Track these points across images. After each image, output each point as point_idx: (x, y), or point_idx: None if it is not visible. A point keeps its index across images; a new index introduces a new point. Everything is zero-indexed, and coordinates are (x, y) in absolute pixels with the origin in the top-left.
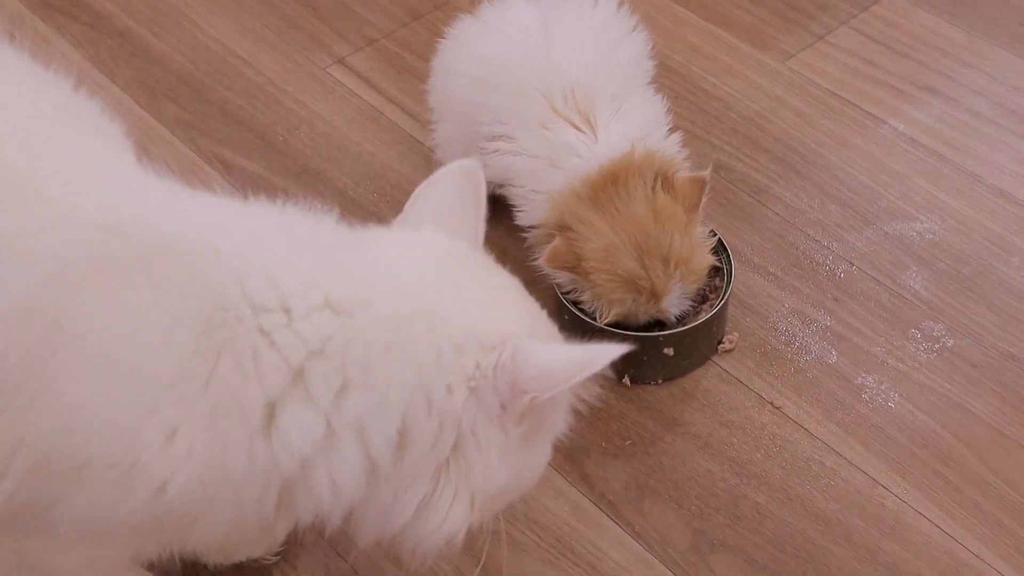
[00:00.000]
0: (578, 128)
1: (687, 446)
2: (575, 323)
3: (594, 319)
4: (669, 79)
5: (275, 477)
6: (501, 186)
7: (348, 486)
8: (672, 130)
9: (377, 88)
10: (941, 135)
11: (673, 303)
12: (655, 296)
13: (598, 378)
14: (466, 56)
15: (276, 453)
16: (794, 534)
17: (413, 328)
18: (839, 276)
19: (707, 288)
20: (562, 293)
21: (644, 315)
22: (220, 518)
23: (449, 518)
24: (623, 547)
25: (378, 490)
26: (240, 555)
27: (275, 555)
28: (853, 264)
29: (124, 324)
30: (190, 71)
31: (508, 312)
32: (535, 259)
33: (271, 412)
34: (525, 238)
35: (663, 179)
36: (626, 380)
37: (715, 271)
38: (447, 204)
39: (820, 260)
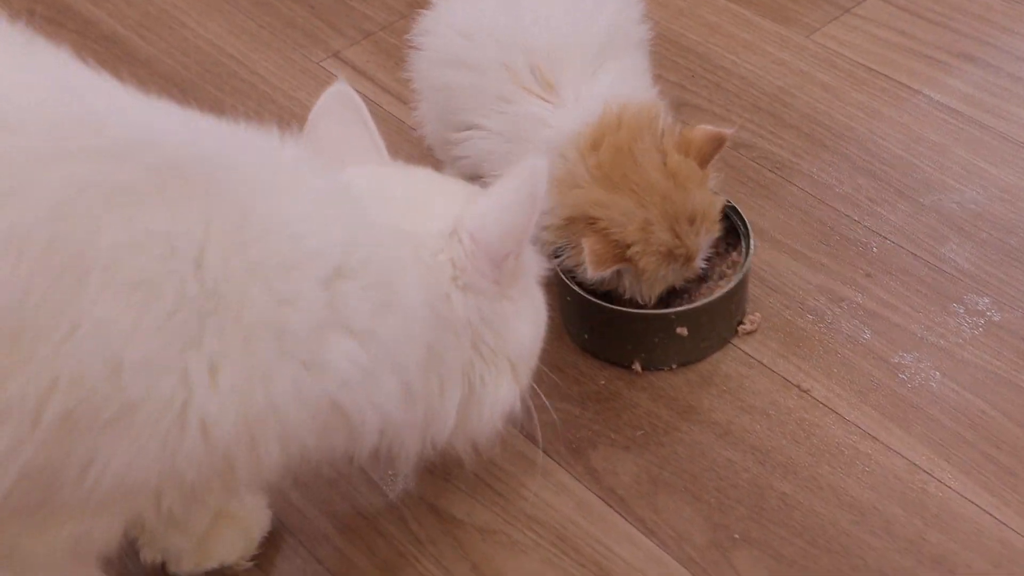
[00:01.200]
0: (542, 98)
1: (705, 435)
2: (580, 305)
3: (600, 298)
4: (685, 58)
5: (321, 406)
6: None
7: (389, 410)
8: (665, 98)
9: (373, 79)
10: (981, 103)
11: (701, 257)
12: (689, 258)
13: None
14: (435, 30)
15: (320, 381)
16: (826, 526)
17: (404, 252)
18: (872, 251)
19: (724, 264)
20: (565, 274)
21: (679, 280)
22: (264, 458)
23: (499, 398)
24: (633, 545)
25: (414, 411)
26: (213, 561)
27: (250, 560)
28: (887, 238)
29: (150, 248)
30: (180, 73)
31: (443, 198)
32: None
33: (312, 337)
34: None
35: (668, 137)
36: (637, 366)
37: (731, 245)
38: (340, 137)
39: (851, 235)
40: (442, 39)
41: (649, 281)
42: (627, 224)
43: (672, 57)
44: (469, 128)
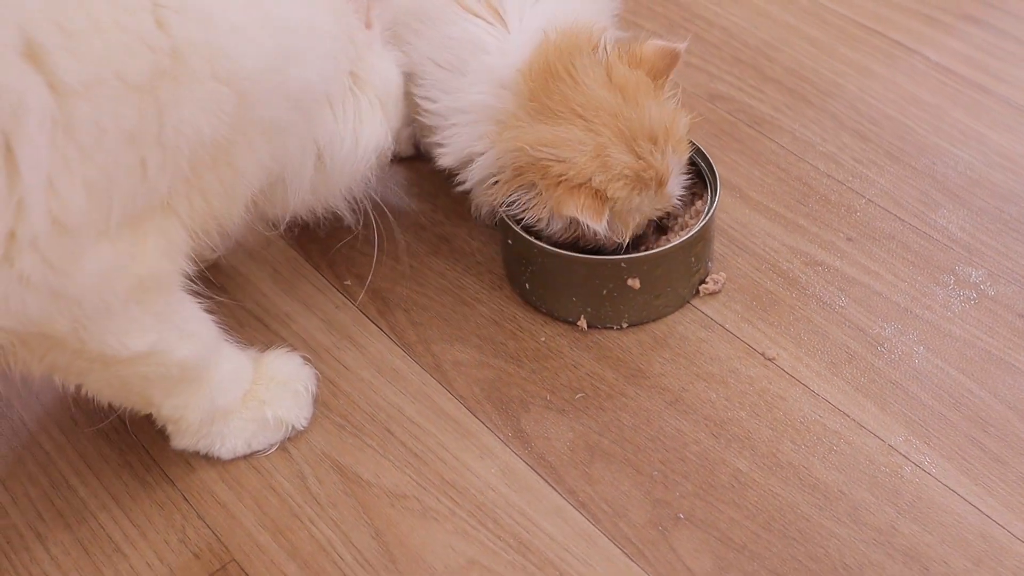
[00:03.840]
0: (485, 20)
1: (653, 402)
2: (521, 248)
3: (538, 238)
4: (664, 7)
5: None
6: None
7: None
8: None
9: None
10: (983, 65)
11: (674, 184)
12: (660, 182)
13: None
14: None
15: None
16: (784, 509)
17: None
18: (855, 214)
19: (687, 214)
20: (507, 214)
21: (655, 211)
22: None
23: (375, 129)
24: (561, 519)
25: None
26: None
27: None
28: (873, 201)
29: None
30: None
31: None
32: (487, 210)
33: None
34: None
35: (612, 53)
36: (582, 323)
37: (696, 195)
38: None
39: (833, 196)
40: None
41: (621, 213)
42: (581, 156)
43: (650, 5)
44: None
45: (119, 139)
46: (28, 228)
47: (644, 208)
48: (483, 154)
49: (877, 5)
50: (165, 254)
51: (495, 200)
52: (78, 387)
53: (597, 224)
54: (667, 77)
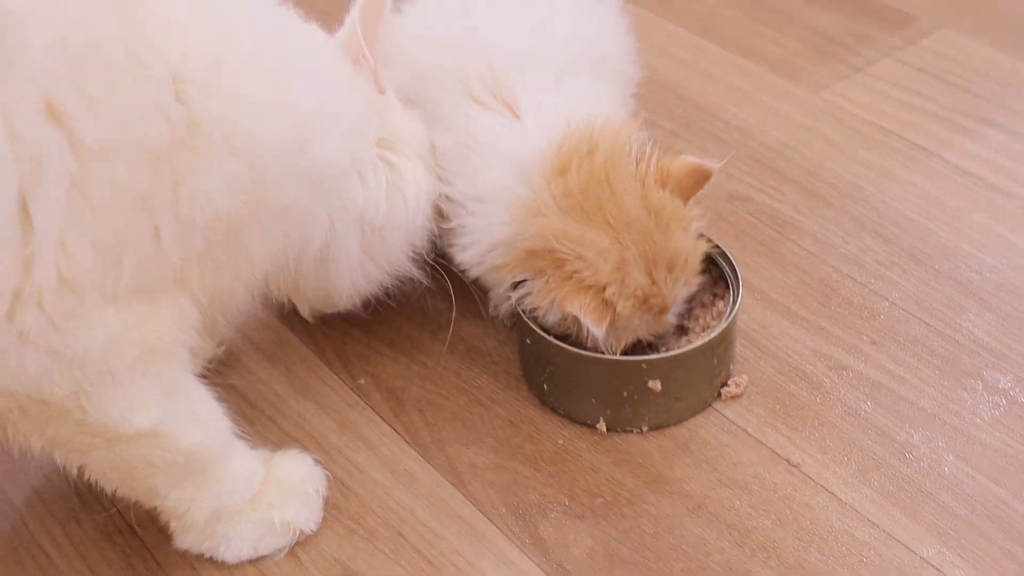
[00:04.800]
0: (497, 111)
1: (675, 508)
2: (540, 348)
3: (563, 342)
4: (682, 107)
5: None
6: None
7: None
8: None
9: None
10: (1003, 169)
11: (674, 311)
12: (663, 310)
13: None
14: (396, 35)
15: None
16: None
17: None
18: (879, 317)
19: (708, 315)
20: (525, 314)
21: (647, 334)
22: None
23: (419, 182)
24: None
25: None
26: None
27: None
28: (897, 304)
29: None
30: None
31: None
32: (505, 309)
33: None
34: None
35: (648, 165)
36: (601, 425)
37: (718, 296)
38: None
39: (855, 299)
40: (398, 47)
41: (617, 330)
42: (602, 264)
43: (668, 106)
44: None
45: (133, 203)
46: (34, 285)
47: (639, 328)
48: (502, 240)
49: (895, 108)
50: (176, 325)
51: (501, 280)
52: (80, 470)
53: (597, 328)
54: (695, 195)
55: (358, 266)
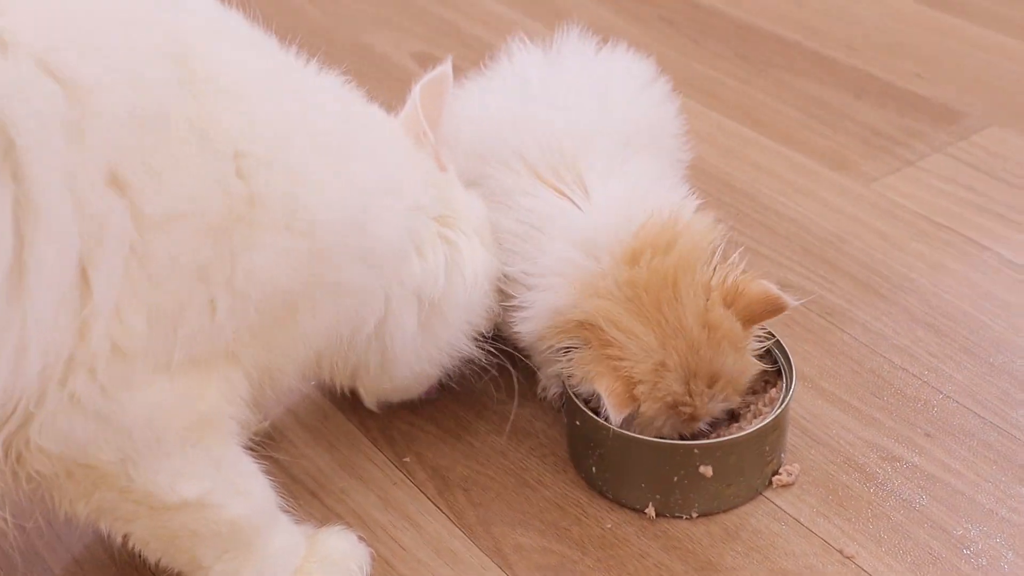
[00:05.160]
0: (560, 192)
1: None
2: (589, 429)
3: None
4: (731, 197)
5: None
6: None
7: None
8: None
9: None
10: None
11: (706, 420)
12: (694, 419)
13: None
14: (456, 120)
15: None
16: None
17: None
18: (932, 410)
19: (760, 402)
20: (574, 393)
21: (674, 432)
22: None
23: (477, 260)
24: None
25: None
26: None
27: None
28: (951, 397)
29: None
30: None
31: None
32: (537, 367)
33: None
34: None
35: (720, 281)
36: (650, 510)
37: (770, 382)
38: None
39: (908, 391)
40: (455, 128)
41: (640, 423)
42: (642, 362)
43: (717, 195)
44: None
45: (190, 275)
46: (88, 351)
47: (664, 428)
48: (561, 307)
49: (947, 202)
50: (226, 398)
51: (548, 345)
52: (125, 539)
53: (615, 414)
54: (760, 322)
55: (416, 345)
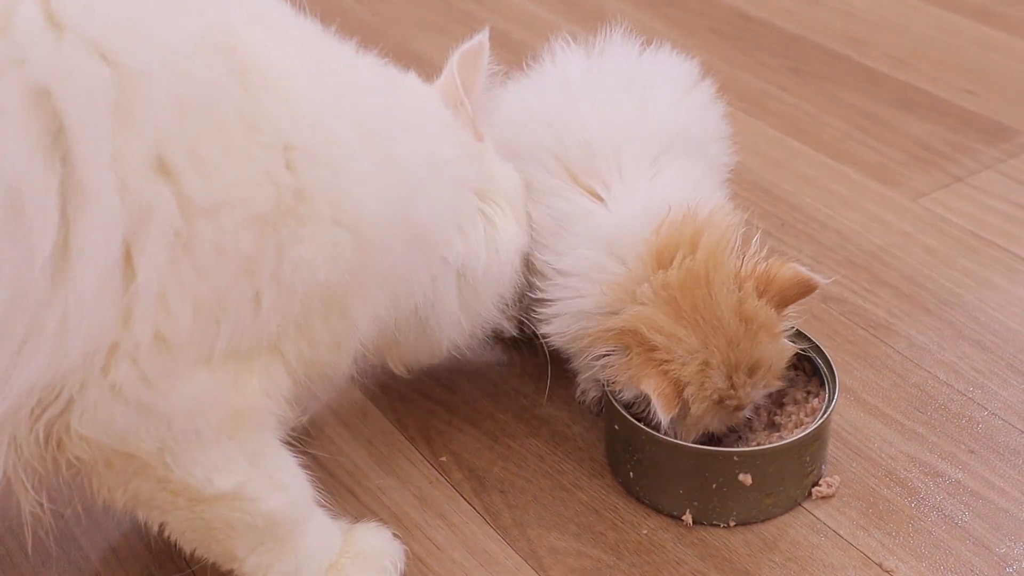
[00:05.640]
0: (594, 193)
1: None
2: (627, 434)
3: (649, 426)
4: (776, 207)
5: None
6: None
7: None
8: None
9: None
10: None
11: (749, 409)
12: (739, 408)
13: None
14: (497, 120)
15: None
16: None
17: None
18: (977, 426)
19: (802, 412)
20: (614, 399)
21: (720, 427)
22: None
23: (511, 235)
24: None
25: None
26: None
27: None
28: (996, 414)
29: None
30: None
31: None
32: (576, 373)
33: None
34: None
35: (749, 270)
36: (687, 518)
37: (812, 393)
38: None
39: (952, 406)
40: (495, 127)
41: (688, 424)
42: (688, 364)
43: (763, 205)
44: None
45: (237, 266)
46: (131, 339)
47: (711, 423)
48: (588, 311)
49: (997, 219)
50: (266, 392)
51: (583, 350)
52: (161, 528)
53: (664, 415)
54: (794, 304)
55: (454, 319)
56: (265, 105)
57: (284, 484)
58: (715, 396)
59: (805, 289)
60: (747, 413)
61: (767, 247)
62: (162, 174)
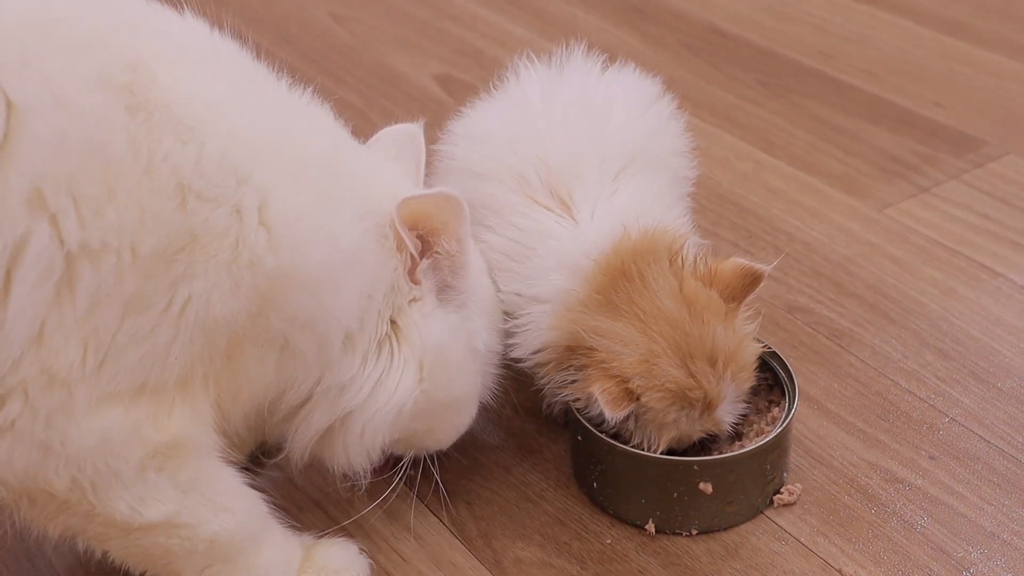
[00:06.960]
0: (554, 212)
1: None
2: (589, 445)
3: (615, 440)
4: (744, 219)
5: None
6: None
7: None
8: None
9: None
10: None
11: (727, 410)
12: (709, 406)
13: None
14: (450, 138)
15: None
16: None
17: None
18: (938, 433)
19: (763, 421)
20: (578, 411)
21: (698, 432)
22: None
23: (400, 387)
24: None
25: (347, 359)
26: None
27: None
28: (956, 421)
29: None
30: None
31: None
32: (542, 387)
33: None
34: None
35: (685, 262)
36: (650, 527)
37: (773, 402)
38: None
39: (914, 414)
40: (455, 147)
41: (656, 423)
42: (628, 355)
43: (730, 217)
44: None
45: (123, 305)
46: (15, 375)
47: (683, 425)
48: (549, 342)
49: (961, 229)
50: (191, 421)
51: (546, 377)
52: (105, 554)
53: (610, 413)
54: (743, 299)
55: (312, 435)
56: (164, 144)
57: (227, 506)
58: (671, 386)
59: (750, 279)
60: (727, 416)
61: (724, 255)
62: (40, 209)
